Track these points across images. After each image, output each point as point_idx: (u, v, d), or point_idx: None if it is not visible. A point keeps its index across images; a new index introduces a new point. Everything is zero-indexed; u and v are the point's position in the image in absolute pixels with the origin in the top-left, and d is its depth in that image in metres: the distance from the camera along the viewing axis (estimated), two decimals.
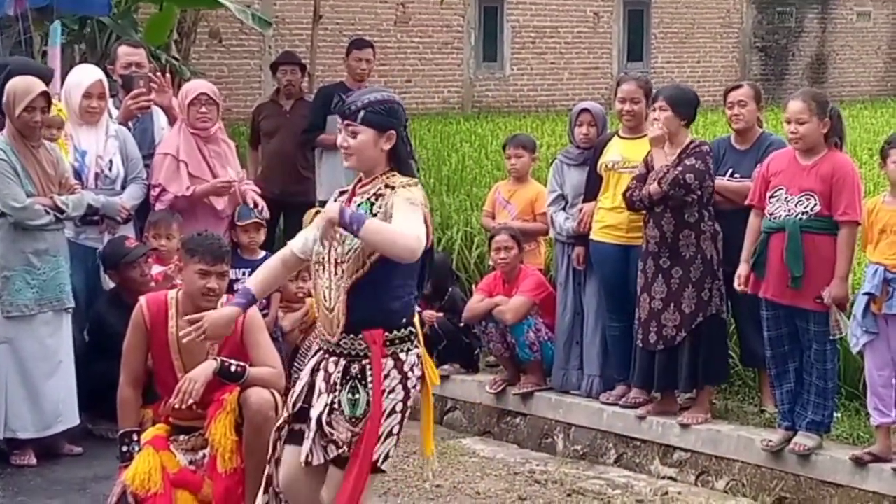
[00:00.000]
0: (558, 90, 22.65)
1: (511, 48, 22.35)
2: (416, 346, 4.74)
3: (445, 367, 8.21)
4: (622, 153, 7.32)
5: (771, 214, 6.48)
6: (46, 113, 6.87)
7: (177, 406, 5.42)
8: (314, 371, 4.79)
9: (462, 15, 21.62)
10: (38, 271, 6.82)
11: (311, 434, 4.71)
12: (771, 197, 6.50)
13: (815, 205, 6.34)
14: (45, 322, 6.87)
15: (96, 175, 7.41)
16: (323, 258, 4.70)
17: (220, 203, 7.74)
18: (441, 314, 8.18)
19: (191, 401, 5.37)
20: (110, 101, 7.76)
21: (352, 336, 4.66)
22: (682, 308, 6.96)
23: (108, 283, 7.46)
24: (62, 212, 6.87)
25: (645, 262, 7.07)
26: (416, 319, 4.79)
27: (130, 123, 7.91)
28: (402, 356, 4.67)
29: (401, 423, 4.69)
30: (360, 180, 4.78)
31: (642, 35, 23.96)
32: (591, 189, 7.49)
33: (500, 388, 7.92)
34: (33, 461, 6.90)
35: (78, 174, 7.29)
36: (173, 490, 5.48)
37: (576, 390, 7.65)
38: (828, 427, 6.54)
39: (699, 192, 6.89)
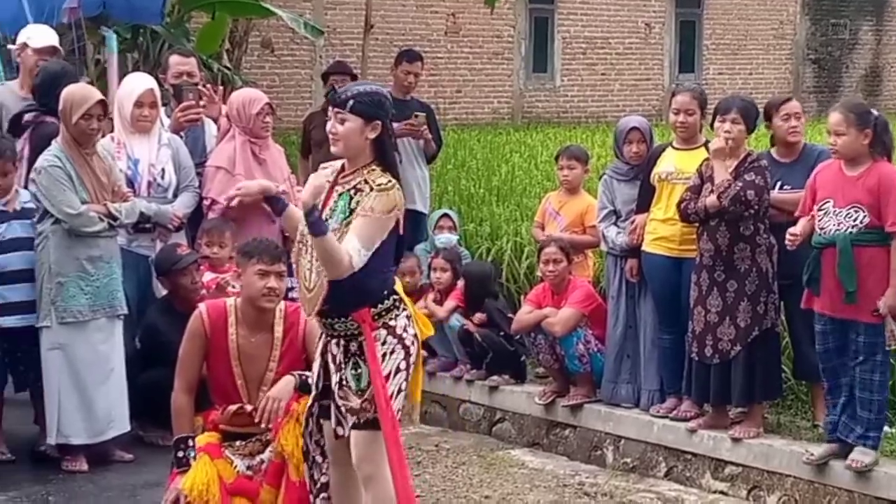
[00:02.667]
0: (609, 101, 22.61)
1: (561, 59, 22.33)
2: (405, 309, 5.11)
3: (494, 377, 8.21)
4: (676, 164, 7.27)
5: (821, 229, 6.41)
6: (103, 121, 6.91)
7: (264, 425, 5.58)
8: (323, 353, 5.17)
9: (513, 25, 21.63)
10: (91, 278, 6.86)
11: (334, 409, 5.13)
12: (819, 210, 6.44)
13: (864, 217, 6.28)
14: (99, 328, 6.91)
15: (149, 183, 7.44)
16: (306, 239, 5.04)
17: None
18: (484, 328, 8.17)
19: (276, 418, 5.54)
20: (162, 109, 7.78)
21: (342, 319, 5.02)
22: (738, 322, 6.90)
23: (161, 291, 7.49)
24: (115, 219, 6.91)
25: (699, 275, 7.02)
26: (399, 286, 5.17)
27: (182, 132, 7.94)
28: (392, 322, 5.05)
29: (406, 378, 5.08)
30: (342, 168, 5.10)
31: (694, 46, 23.88)
32: (644, 200, 7.44)
33: (550, 400, 7.88)
34: (85, 467, 6.93)
35: (131, 182, 7.32)
36: (230, 499, 5.50)
37: (626, 403, 7.60)
38: (877, 442, 6.46)
39: (757, 207, 6.84)
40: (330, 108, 5.10)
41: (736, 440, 6.97)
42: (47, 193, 6.78)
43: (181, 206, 7.57)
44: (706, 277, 6.98)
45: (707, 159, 7.10)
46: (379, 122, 5.01)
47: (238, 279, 6.39)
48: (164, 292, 7.46)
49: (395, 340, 5.04)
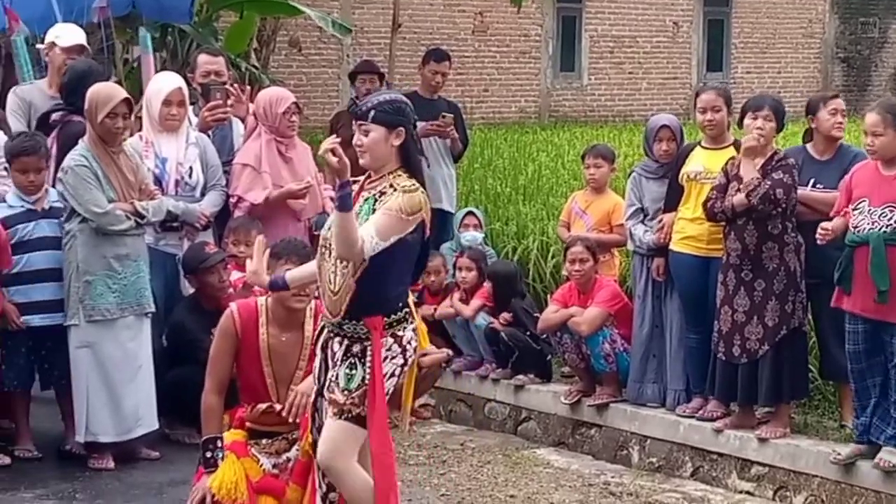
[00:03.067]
0: (636, 100, 22.56)
1: (589, 58, 22.29)
2: (413, 322, 5.19)
3: (520, 377, 8.21)
4: (704, 164, 7.25)
5: (855, 227, 6.40)
6: (128, 119, 6.94)
7: (291, 420, 5.59)
8: (324, 348, 5.22)
9: (540, 24, 21.61)
10: (119, 276, 6.89)
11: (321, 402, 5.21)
12: (854, 209, 6.42)
13: None
14: (127, 326, 6.94)
15: (176, 182, 7.47)
16: (329, 242, 5.05)
17: (299, 206, 7.76)
18: (510, 327, 8.17)
19: (304, 414, 5.53)
20: (190, 108, 7.80)
21: (354, 321, 5.06)
22: (766, 321, 6.89)
23: (188, 290, 7.52)
24: (142, 217, 6.94)
25: (726, 275, 7.00)
26: (410, 298, 5.23)
27: (210, 131, 7.96)
28: (400, 333, 5.12)
29: (395, 384, 5.14)
30: (369, 175, 5.13)
31: (722, 45, 23.80)
32: (672, 199, 7.42)
33: (576, 399, 7.87)
34: (111, 465, 6.96)
35: (158, 181, 7.35)
36: (256, 497, 5.52)
37: (652, 403, 7.59)
38: None
39: (784, 206, 6.82)
40: (353, 122, 5.15)
41: (762, 440, 6.95)
42: (74, 192, 6.81)
43: (208, 205, 7.59)
44: (733, 277, 6.96)
45: (732, 158, 7.09)
46: (402, 129, 5.06)
47: None
48: (192, 290, 7.48)
49: (399, 349, 5.11)
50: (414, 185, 5.04)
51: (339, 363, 5.11)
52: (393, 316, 5.08)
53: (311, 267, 5.38)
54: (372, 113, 5.04)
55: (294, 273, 5.43)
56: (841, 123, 7.07)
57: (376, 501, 5.07)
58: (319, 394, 5.27)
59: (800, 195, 6.96)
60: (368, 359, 5.05)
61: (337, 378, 5.10)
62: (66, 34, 8.15)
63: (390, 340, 5.08)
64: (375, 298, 5.02)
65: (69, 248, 6.88)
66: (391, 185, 5.04)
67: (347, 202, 4.86)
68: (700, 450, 7.24)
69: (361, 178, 5.18)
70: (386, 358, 5.07)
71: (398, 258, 5.02)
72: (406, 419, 5.43)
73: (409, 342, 5.15)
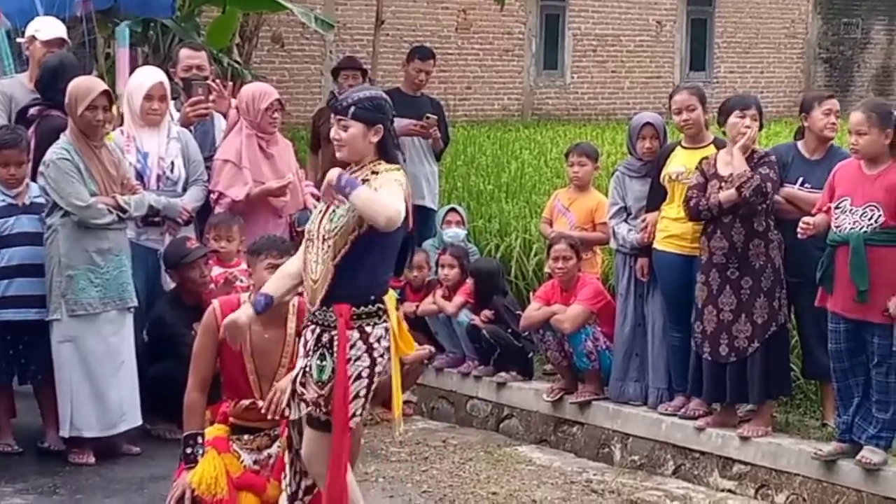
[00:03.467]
0: (619, 99, 22.58)
1: (572, 56, 22.30)
2: (385, 321, 5.12)
3: (502, 374, 8.20)
4: (685, 163, 7.25)
5: (837, 227, 6.40)
6: (108, 112, 6.91)
7: (270, 416, 5.56)
8: (300, 338, 5.31)
9: (523, 22, 21.60)
10: (101, 270, 6.86)
11: (289, 391, 5.22)
12: (836, 208, 6.43)
13: (880, 216, 6.26)
14: (109, 321, 6.91)
15: (158, 177, 7.44)
16: (312, 234, 5.15)
17: (280, 202, 7.74)
18: (492, 324, 8.16)
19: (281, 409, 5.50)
20: (172, 103, 7.77)
21: (325, 308, 5.10)
22: (755, 318, 6.89)
23: (169, 285, 7.49)
24: (124, 211, 6.91)
25: (708, 274, 6.99)
26: (389, 297, 5.18)
27: (191, 126, 7.93)
28: (368, 329, 5.08)
29: (368, 387, 5.11)
30: (349, 166, 5.17)
31: (705, 44, 23.83)
32: (655, 199, 7.42)
33: (558, 397, 7.87)
34: (92, 460, 6.94)
35: (140, 176, 7.32)
36: (237, 493, 5.50)
37: (634, 401, 7.59)
38: (889, 442, 6.44)
39: (769, 201, 6.84)
40: (332, 116, 5.19)
41: (744, 439, 6.95)
42: (56, 186, 6.78)
43: (190, 200, 7.56)
44: (717, 276, 6.96)
45: (706, 158, 7.09)
46: (381, 126, 5.12)
47: (247, 275, 6.39)
48: (173, 286, 7.46)
49: (365, 347, 5.07)
50: (396, 166, 5.12)
51: (310, 353, 5.13)
52: (362, 308, 5.06)
53: (289, 268, 5.35)
54: (352, 109, 5.09)
55: (272, 285, 5.34)
56: (834, 124, 7.07)
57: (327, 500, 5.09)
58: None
59: (787, 193, 6.98)
60: (336, 350, 5.05)
61: (310, 370, 5.12)
62: (46, 28, 8.11)
63: (356, 335, 5.05)
64: (347, 284, 5.03)
65: (51, 243, 6.84)
66: (372, 172, 5.10)
67: (352, 182, 4.94)
68: (682, 448, 7.24)
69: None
70: (350, 358, 5.04)
71: (376, 248, 5.06)
72: (398, 423, 5.35)
73: (377, 340, 5.10)
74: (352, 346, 5.05)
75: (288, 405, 5.22)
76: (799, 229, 6.52)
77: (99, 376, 6.87)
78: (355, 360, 5.06)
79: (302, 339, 5.24)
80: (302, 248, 5.26)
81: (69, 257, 6.80)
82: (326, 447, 5.11)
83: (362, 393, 5.10)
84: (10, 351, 7.07)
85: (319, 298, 5.10)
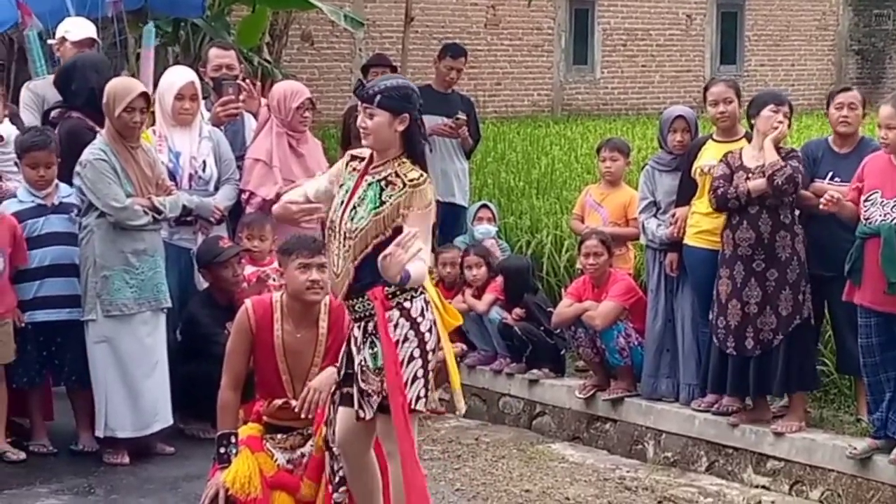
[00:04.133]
0: (649, 93, 22.51)
1: (602, 51, 22.24)
2: (422, 293, 5.09)
3: (534, 371, 8.19)
4: (717, 157, 7.22)
5: (867, 219, 6.38)
6: (145, 114, 6.92)
7: (303, 416, 5.58)
8: (348, 339, 5.25)
9: (553, 17, 21.56)
10: (136, 271, 6.87)
11: (356, 393, 5.15)
12: (866, 201, 6.40)
13: None
14: (144, 321, 6.92)
15: (190, 176, 7.46)
16: (335, 226, 5.16)
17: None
18: (523, 322, 8.15)
19: (317, 409, 5.54)
20: (202, 103, 7.79)
21: (360, 299, 5.09)
22: (780, 311, 6.88)
23: (202, 284, 7.51)
24: (160, 212, 6.93)
25: (732, 268, 6.98)
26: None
27: (221, 126, 7.94)
28: (407, 304, 5.05)
29: (424, 367, 5.06)
30: (371, 158, 5.18)
31: (735, 38, 23.72)
32: (685, 194, 7.41)
33: (590, 394, 7.86)
34: (126, 460, 6.95)
35: (172, 175, 7.34)
36: (270, 492, 5.52)
37: (668, 398, 7.57)
38: None
39: (796, 192, 6.85)
40: (359, 104, 5.18)
41: (778, 434, 6.93)
42: (93, 187, 6.79)
43: (222, 199, 7.58)
44: (741, 268, 6.94)
45: (731, 151, 7.08)
46: (407, 115, 5.09)
47: (279, 274, 6.39)
48: (206, 285, 7.48)
49: (408, 324, 5.03)
50: (421, 176, 5.08)
51: (361, 347, 5.12)
52: (394, 285, 4.98)
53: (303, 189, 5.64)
54: (378, 97, 5.07)
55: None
56: (846, 117, 7.02)
57: (405, 484, 5.04)
58: (339, 387, 5.26)
59: (816, 188, 6.95)
60: (380, 332, 5.05)
61: (366, 362, 5.10)
62: (76, 28, 8.14)
63: (396, 314, 5.03)
64: (374, 271, 4.96)
65: (86, 243, 6.86)
66: (396, 174, 5.08)
67: (406, 276, 4.84)
68: (715, 444, 7.23)
69: (362, 151, 5.26)
70: (398, 341, 5.00)
71: (396, 235, 4.99)
72: (459, 402, 5.34)
73: (420, 314, 5.06)
74: (395, 326, 5.02)
75: (360, 407, 5.16)
76: (822, 200, 6.50)
77: (133, 377, 6.89)
78: (403, 343, 5.02)
79: (350, 339, 5.21)
80: (326, 238, 5.29)
81: (104, 258, 6.82)
82: (366, 429, 5.14)
83: (420, 374, 5.05)
84: (43, 352, 7.10)
85: (343, 291, 5.12)
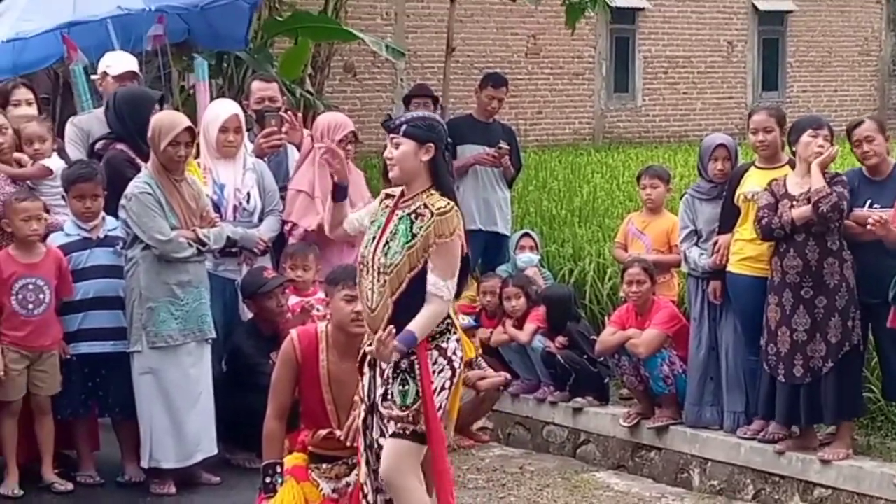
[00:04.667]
0: (691, 120, 22.47)
1: (643, 78, 22.23)
2: (455, 333, 5.25)
3: (578, 399, 8.17)
4: (760, 184, 7.21)
5: None
6: (190, 147, 6.98)
7: (348, 445, 5.60)
8: (372, 366, 5.29)
9: (593, 46, 21.58)
10: (181, 302, 6.92)
11: (377, 420, 5.26)
12: None
13: None
14: (189, 352, 6.96)
15: (234, 207, 7.51)
16: (367, 261, 5.23)
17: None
18: (566, 350, 8.14)
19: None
20: (246, 135, 7.84)
21: None
22: (829, 338, 6.84)
23: (247, 315, 7.55)
24: (204, 244, 6.98)
25: (781, 295, 6.95)
26: (452, 309, 5.28)
27: (265, 157, 7.99)
28: (444, 345, 5.20)
29: (448, 398, 5.22)
30: (402, 194, 5.27)
31: (777, 64, 23.65)
32: (727, 221, 7.38)
33: (635, 422, 7.83)
34: (173, 490, 6.98)
35: (217, 207, 7.39)
36: None
37: (712, 426, 7.53)
38: None
39: (841, 219, 6.81)
40: (387, 135, 5.27)
41: (825, 462, 6.88)
42: (138, 220, 6.85)
43: (267, 230, 7.63)
44: (790, 296, 6.91)
45: (775, 179, 7.05)
46: (432, 145, 5.19)
47: (324, 303, 6.43)
48: (250, 316, 7.52)
49: (445, 362, 5.20)
50: (448, 204, 5.16)
51: (390, 380, 5.18)
52: (435, 328, 5.16)
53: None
54: (404, 127, 5.19)
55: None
56: (866, 152, 6.95)
57: None
58: (369, 412, 5.29)
59: (857, 216, 6.90)
60: (417, 373, 5.14)
61: (393, 396, 5.17)
62: (117, 63, 8.19)
63: (435, 354, 5.18)
64: (410, 315, 5.11)
65: (131, 275, 6.91)
66: (425, 205, 5.17)
67: (408, 338, 5.07)
68: (762, 472, 7.18)
69: (394, 189, 5.33)
70: (434, 372, 5.16)
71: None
72: (449, 430, 5.44)
73: (454, 353, 5.22)
74: (433, 363, 5.17)
75: (382, 434, 5.23)
76: (869, 223, 6.46)
77: (178, 408, 6.93)
78: (438, 373, 5.19)
79: (376, 368, 5.24)
80: (357, 273, 5.36)
81: (150, 290, 6.87)
82: (410, 458, 5.18)
83: (444, 405, 5.22)
84: (88, 384, 7.15)
85: (380, 328, 5.15)
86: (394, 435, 5.18)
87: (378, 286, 5.17)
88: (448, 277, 5.12)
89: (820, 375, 6.86)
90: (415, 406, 5.13)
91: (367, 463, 5.36)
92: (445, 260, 5.13)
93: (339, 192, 5.69)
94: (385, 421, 5.21)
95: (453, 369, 5.21)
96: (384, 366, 5.20)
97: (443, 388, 5.19)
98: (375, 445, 5.29)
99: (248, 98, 8.33)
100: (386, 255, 5.16)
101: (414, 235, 5.13)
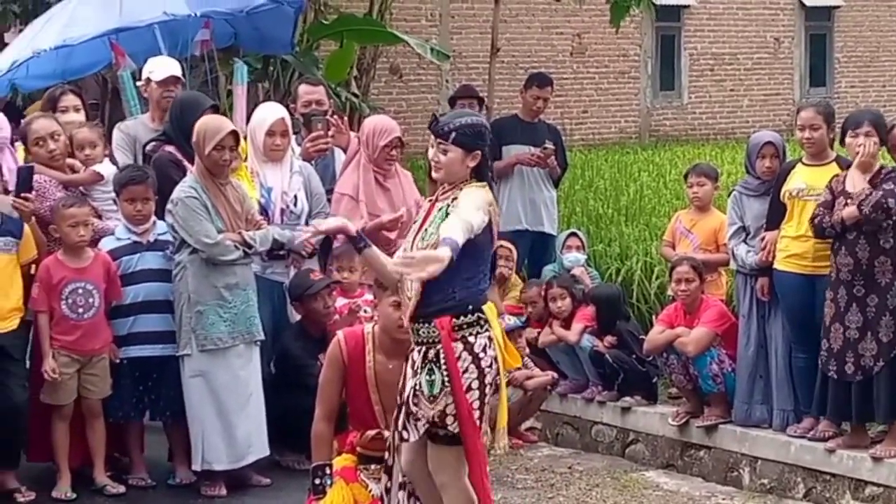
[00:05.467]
0: (738, 118, 22.35)
1: (689, 76, 22.14)
2: (487, 331, 5.18)
3: (627, 399, 8.16)
4: (806, 180, 7.18)
5: None
6: (235, 151, 7.02)
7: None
8: (406, 360, 5.32)
9: (639, 44, 21.51)
10: (229, 305, 6.97)
11: (402, 415, 5.24)
12: None
13: None
14: (238, 354, 7.01)
15: (282, 211, 7.54)
16: (408, 250, 5.24)
17: (394, 234, 7.78)
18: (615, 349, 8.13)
19: None
20: (293, 138, 7.88)
21: (427, 325, 5.16)
22: (880, 336, 6.80)
23: (295, 317, 7.58)
24: (250, 247, 7.02)
25: (836, 292, 6.92)
26: (489, 307, 5.24)
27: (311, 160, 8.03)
28: (471, 339, 5.13)
29: (480, 399, 5.14)
30: (442, 186, 5.31)
31: (825, 59, 23.49)
32: (774, 218, 7.35)
33: (684, 421, 7.81)
34: (223, 492, 7.02)
35: (264, 210, 7.42)
36: None
37: (761, 424, 7.50)
38: None
39: (894, 218, 6.74)
40: (432, 137, 5.28)
41: (877, 459, 6.84)
42: (184, 224, 6.90)
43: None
44: (844, 293, 6.87)
45: (836, 175, 7.01)
46: (479, 153, 5.23)
47: (371, 305, 6.44)
48: (298, 317, 7.55)
49: (471, 358, 5.13)
50: (481, 182, 5.22)
51: (419, 370, 5.18)
52: (462, 318, 5.12)
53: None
54: (453, 135, 5.20)
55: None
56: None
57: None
58: (401, 408, 5.28)
59: None
60: (443, 363, 5.11)
61: (420, 386, 5.17)
62: (160, 68, 8.23)
63: (460, 346, 5.12)
64: (443, 299, 5.11)
65: (180, 279, 6.97)
66: (460, 189, 5.23)
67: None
68: (812, 470, 7.14)
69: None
70: (460, 369, 5.11)
71: (467, 259, 5.05)
72: (501, 441, 5.39)
73: (483, 350, 5.15)
74: (458, 358, 5.11)
75: (405, 428, 5.24)
76: None
77: (228, 410, 6.97)
78: (463, 372, 5.12)
79: (409, 361, 5.27)
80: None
81: (198, 293, 6.92)
82: (451, 459, 5.19)
83: (476, 405, 5.14)
84: (139, 387, 7.21)
85: (411, 313, 5.18)
86: (431, 438, 5.19)
87: None
88: (462, 227, 4.97)
89: (871, 374, 6.81)
90: (442, 395, 5.10)
91: (389, 471, 5.42)
92: (473, 198, 5.11)
93: (357, 241, 5.55)
94: (412, 419, 5.20)
95: (479, 369, 5.13)
96: (415, 357, 5.20)
97: (469, 388, 5.11)
98: (397, 440, 5.32)
99: (294, 101, 8.37)
100: (423, 239, 5.21)
101: (447, 215, 5.16)
